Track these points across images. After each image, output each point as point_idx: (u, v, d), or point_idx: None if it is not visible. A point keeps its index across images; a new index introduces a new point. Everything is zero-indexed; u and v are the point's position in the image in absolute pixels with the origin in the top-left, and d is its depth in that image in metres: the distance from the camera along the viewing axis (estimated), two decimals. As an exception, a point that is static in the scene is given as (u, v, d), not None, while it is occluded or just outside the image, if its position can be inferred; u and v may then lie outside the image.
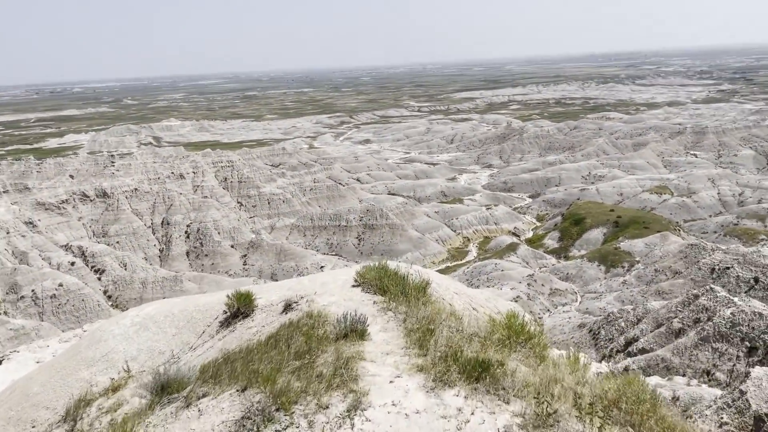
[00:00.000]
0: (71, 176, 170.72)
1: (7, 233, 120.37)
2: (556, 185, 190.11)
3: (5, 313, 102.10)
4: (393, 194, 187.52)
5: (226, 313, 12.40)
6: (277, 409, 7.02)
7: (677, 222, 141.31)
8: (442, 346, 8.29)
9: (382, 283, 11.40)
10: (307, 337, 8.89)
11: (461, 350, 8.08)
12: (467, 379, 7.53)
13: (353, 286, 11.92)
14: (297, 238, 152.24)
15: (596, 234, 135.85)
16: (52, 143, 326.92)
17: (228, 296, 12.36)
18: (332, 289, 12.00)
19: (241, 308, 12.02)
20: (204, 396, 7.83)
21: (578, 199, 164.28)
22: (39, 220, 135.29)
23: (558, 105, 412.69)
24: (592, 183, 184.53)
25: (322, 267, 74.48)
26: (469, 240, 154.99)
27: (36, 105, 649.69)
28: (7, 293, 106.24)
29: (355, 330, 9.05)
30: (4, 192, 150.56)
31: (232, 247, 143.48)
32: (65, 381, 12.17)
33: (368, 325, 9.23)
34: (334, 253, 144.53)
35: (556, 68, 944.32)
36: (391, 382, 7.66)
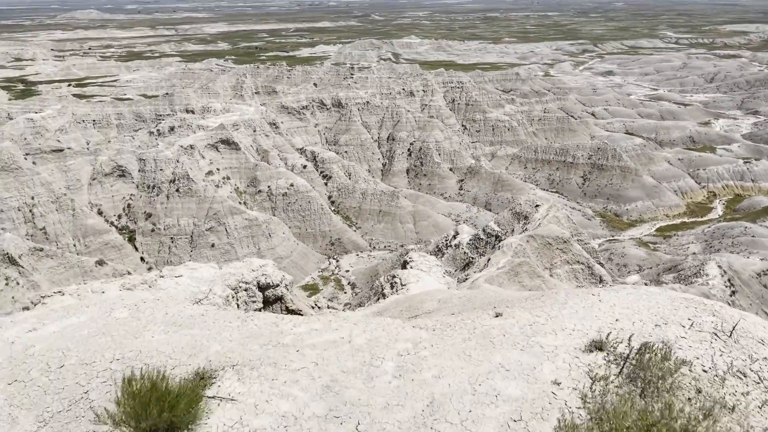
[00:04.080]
0: (315, 84, 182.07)
1: (254, 131, 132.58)
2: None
3: (245, 203, 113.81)
4: (631, 134, 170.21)
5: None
6: None
7: None
8: None
9: None
10: None
11: None
12: None
13: None
14: (517, 169, 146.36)
15: None
16: (305, 52, 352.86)
17: (124, 389, 5.64)
18: None
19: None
20: None
21: None
22: (281, 122, 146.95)
23: None
24: None
25: (537, 206, 69.24)
26: (715, 195, 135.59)
27: (297, 16, 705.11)
28: (247, 186, 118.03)
29: None
30: (255, 93, 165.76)
31: (450, 170, 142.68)
32: None
33: None
34: (554, 190, 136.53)
35: None
36: None
